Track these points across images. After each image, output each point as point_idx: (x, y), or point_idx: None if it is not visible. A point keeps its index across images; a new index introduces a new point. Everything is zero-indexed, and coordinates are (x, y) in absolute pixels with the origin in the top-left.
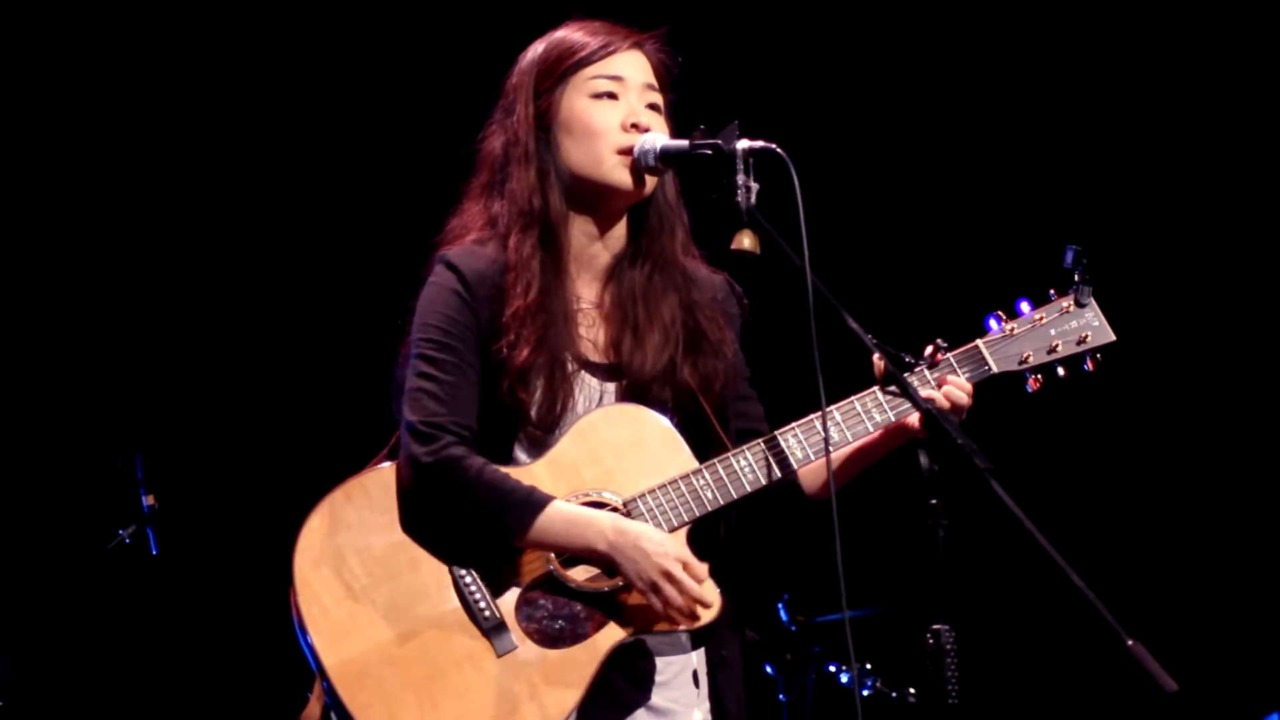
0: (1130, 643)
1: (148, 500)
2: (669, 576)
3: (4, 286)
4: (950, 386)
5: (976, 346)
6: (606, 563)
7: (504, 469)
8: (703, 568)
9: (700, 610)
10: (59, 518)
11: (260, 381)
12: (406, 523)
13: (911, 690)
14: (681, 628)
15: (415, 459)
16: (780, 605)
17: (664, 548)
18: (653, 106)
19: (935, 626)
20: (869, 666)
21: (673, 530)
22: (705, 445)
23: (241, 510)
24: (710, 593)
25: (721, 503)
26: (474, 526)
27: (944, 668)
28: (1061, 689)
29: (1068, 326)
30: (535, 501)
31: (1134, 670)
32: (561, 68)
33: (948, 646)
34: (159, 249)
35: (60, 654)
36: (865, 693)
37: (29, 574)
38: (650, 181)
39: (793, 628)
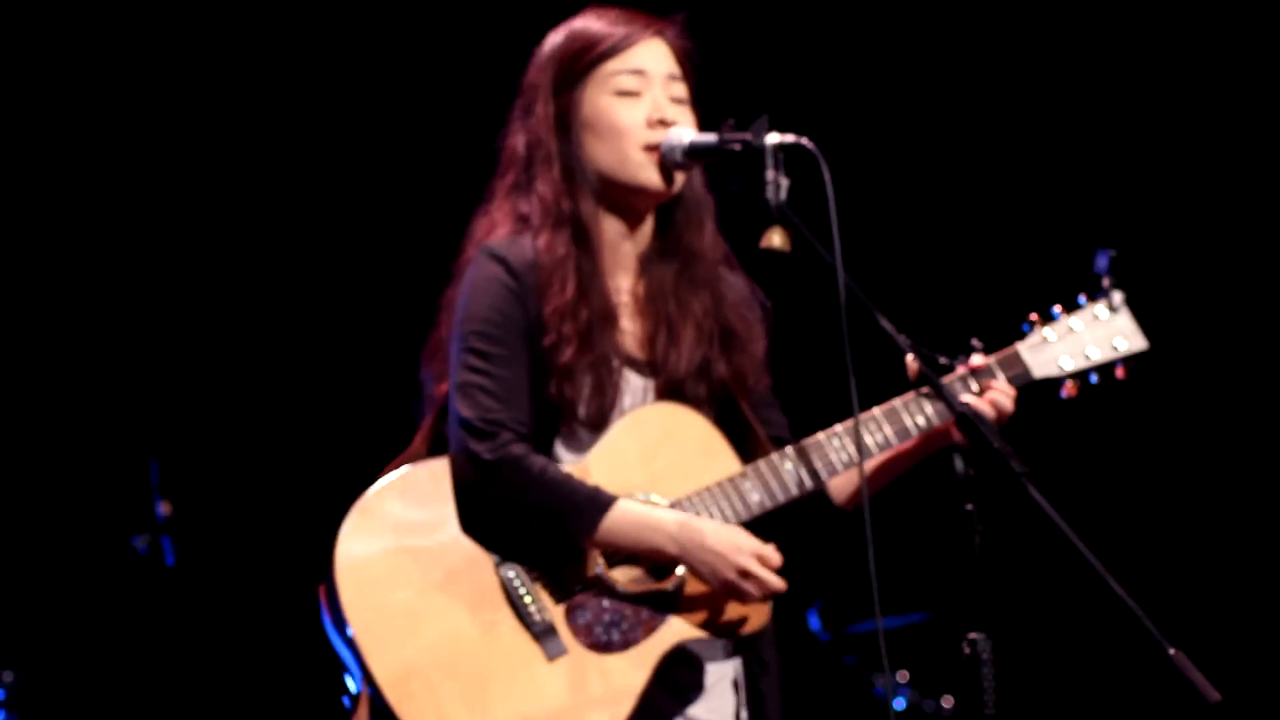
0: (1172, 652)
1: (163, 508)
2: (745, 574)
3: (20, 292)
4: (995, 392)
5: (1016, 351)
6: (677, 564)
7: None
8: (773, 552)
9: (751, 611)
10: (73, 526)
11: (278, 387)
12: (465, 521)
13: (947, 700)
14: (736, 633)
15: (476, 456)
16: (813, 614)
17: (735, 544)
18: (677, 98)
19: (971, 635)
20: (903, 677)
21: None
22: (741, 441)
23: (260, 518)
24: (780, 581)
25: (769, 505)
26: (537, 526)
27: (980, 677)
28: (1101, 699)
29: (1102, 332)
30: (601, 502)
31: (1176, 680)
32: (581, 64)
33: (984, 655)
34: (174, 255)
35: (72, 665)
36: (900, 704)
37: (41, 583)
38: (680, 178)
39: (826, 637)
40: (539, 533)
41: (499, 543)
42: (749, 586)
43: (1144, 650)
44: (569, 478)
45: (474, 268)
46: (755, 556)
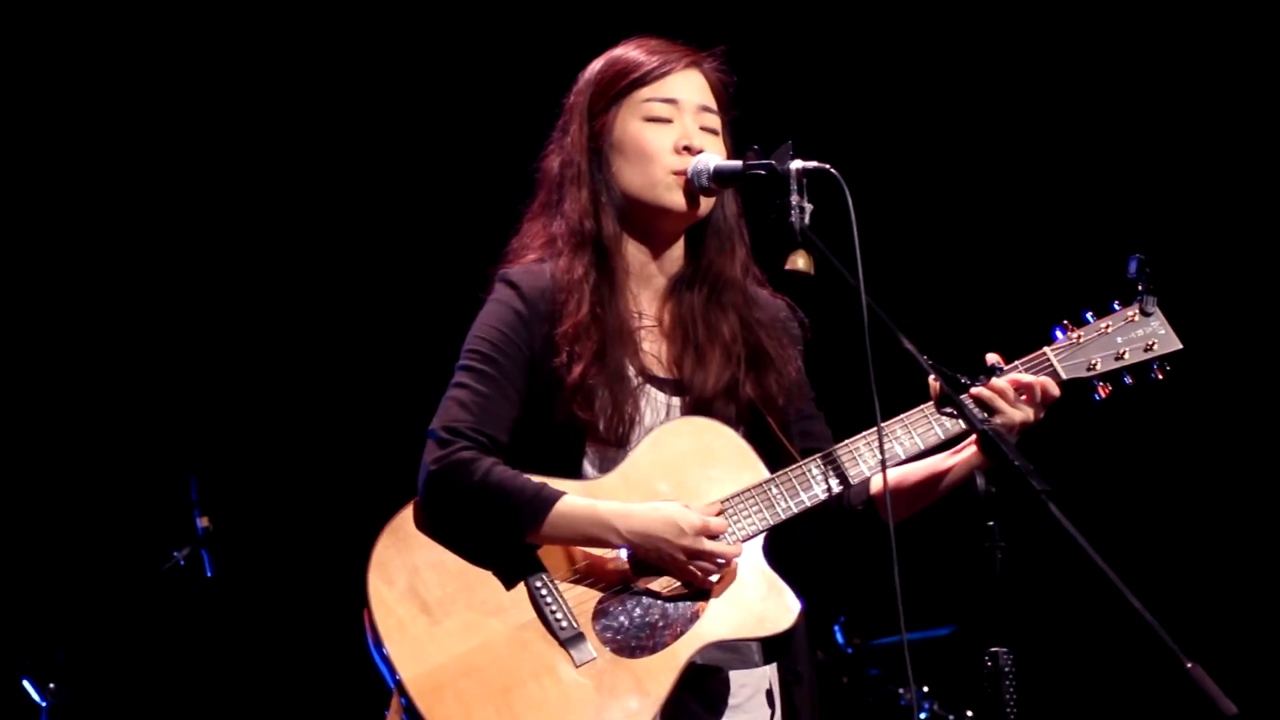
0: (1189, 665)
1: (202, 522)
2: (694, 554)
3: (60, 309)
4: (1046, 379)
5: (1044, 354)
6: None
7: (564, 482)
8: (718, 521)
9: (778, 612)
10: (114, 540)
11: (316, 402)
12: (430, 530)
13: (969, 713)
14: (763, 634)
15: (425, 466)
16: (837, 627)
17: (676, 526)
18: (708, 128)
19: (993, 649)
20: (926, 689)
21: (747, 539)
22: (772, 459)
23: (297, 532)
24: (733, 549)
25: (795, 511)
26: (486, 527)
27: (1002, 690)
28: (1120, 712)
29: (1134, 334)
30: (545, 498)
31: (1193, 693)
32: (616, 89)
33: (1006, 669)
34: (213, 273)
35: (115, 677)
36: (923, 715)
37: (83, 597)
38: (706, 203)
39: (849, 650)
40: (490, 534)
41: (459, 547)
42: (703, 564)
43: (1162, 663)
44: (515, 476)
45: (492, 293)
46: (699, 533)
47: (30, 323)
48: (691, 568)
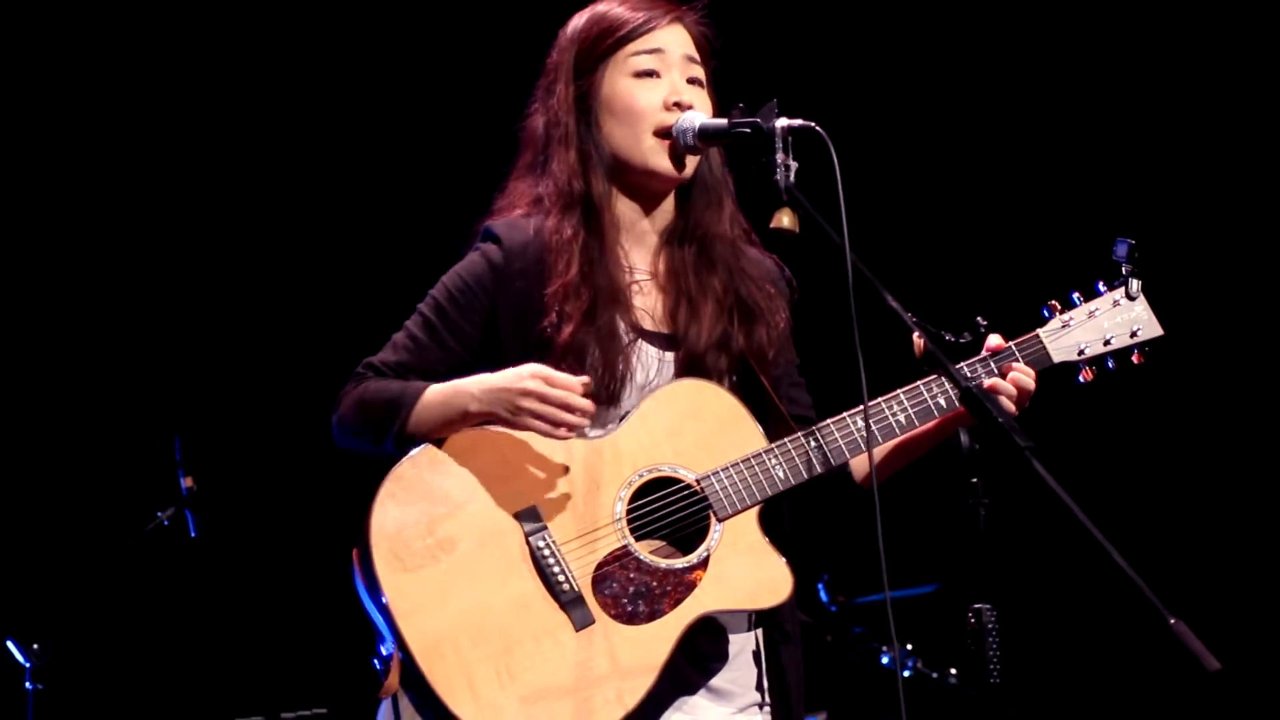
0: (1173, 621)
1: (186, 483)
2: (529, 394)
3: (44, 272)
4: (1017, 373)
5: (1037, 336)
6: (489, 420)
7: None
8: (565, 375)
9: (774, 585)
10: (98, 501)
11: (299, 363)
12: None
13: (953, 670)
14: (759, 606)
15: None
16: (821, 585)
17: (518, 372)
18: (694, 79)
19: (977, 605)
20: (910, 647)
21: (745, 509)
22: (762, 415)
23: (280, 492)
24: (583, 403)
25: (793, 482)
26: (372, 437)
27: (985, 647)
28: (1103, 668)
29: (1119, 319)
30: (411, 392)
31: (1176, 649)
32: (602, 46)
33: (989, 625)
34: (196, 233)
35: (99, 638)
36: (907, 673)
37: (68, 557)
38: (691, 162)
39: (833, 609)
40: (376, 442)
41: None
42: (538, 406)
43: (1146, 620)
44: (387, 383)
45: (473, 244)
46: (538, 377)
47: (11, 285)
48: (528, 406)
